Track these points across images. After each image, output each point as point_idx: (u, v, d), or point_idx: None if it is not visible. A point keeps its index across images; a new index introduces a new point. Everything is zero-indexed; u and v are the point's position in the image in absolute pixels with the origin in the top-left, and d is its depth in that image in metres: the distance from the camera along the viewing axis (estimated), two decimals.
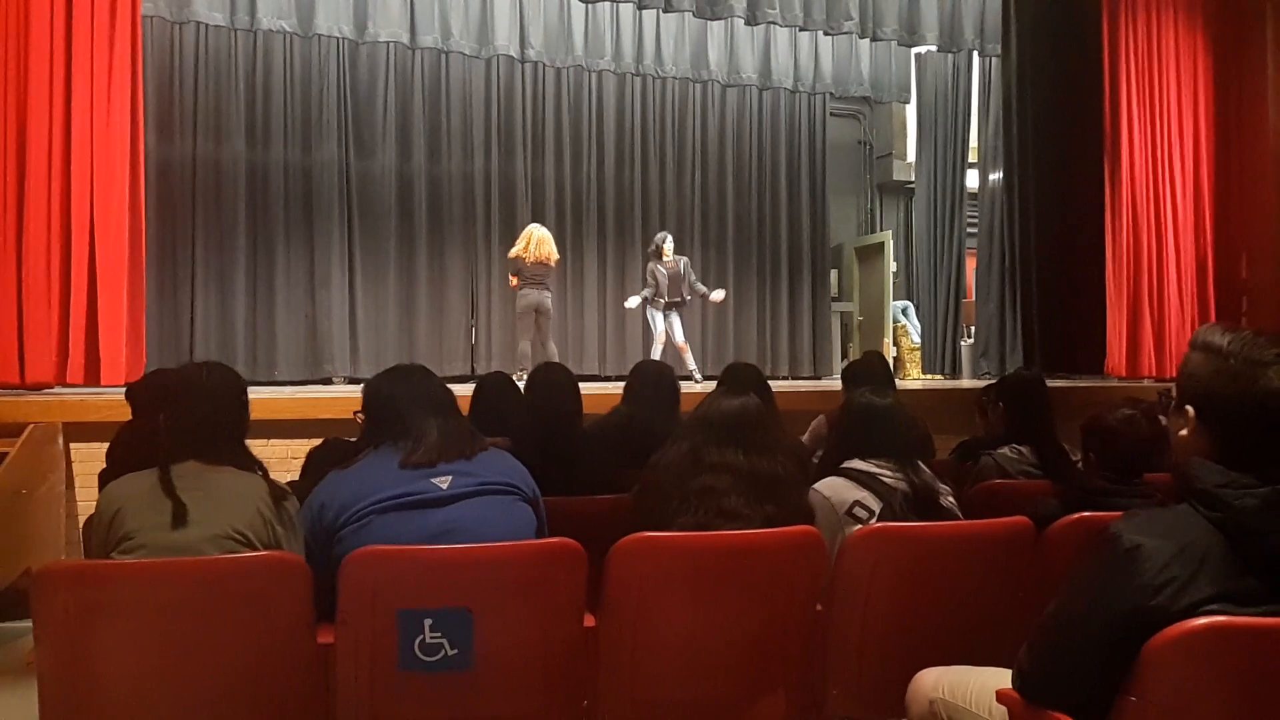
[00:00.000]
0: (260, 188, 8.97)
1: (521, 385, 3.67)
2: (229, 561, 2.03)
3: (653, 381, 3.70)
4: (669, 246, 8.61)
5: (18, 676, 3.19)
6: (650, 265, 8.68)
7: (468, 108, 9.77)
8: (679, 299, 8.49)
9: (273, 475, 2.27)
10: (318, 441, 3.28)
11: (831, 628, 2.37)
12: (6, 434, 4.74)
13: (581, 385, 3.47)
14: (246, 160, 8.91)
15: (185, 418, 2.20)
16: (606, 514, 2.66)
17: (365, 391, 2.40)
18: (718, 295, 8.70)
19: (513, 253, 8.22)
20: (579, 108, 10.21)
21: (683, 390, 3.79)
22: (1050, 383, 3.90)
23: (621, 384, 3.87)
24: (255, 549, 2.12)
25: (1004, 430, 3.55)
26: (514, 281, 8.21)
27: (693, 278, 8.64)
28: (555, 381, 3.36)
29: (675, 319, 8.50)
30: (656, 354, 8.45)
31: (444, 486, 2.15)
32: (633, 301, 8.60)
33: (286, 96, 9.07)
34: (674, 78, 10.52)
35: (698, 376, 8.32)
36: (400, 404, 2.29)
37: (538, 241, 8.11)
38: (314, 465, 3.03)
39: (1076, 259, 8.58)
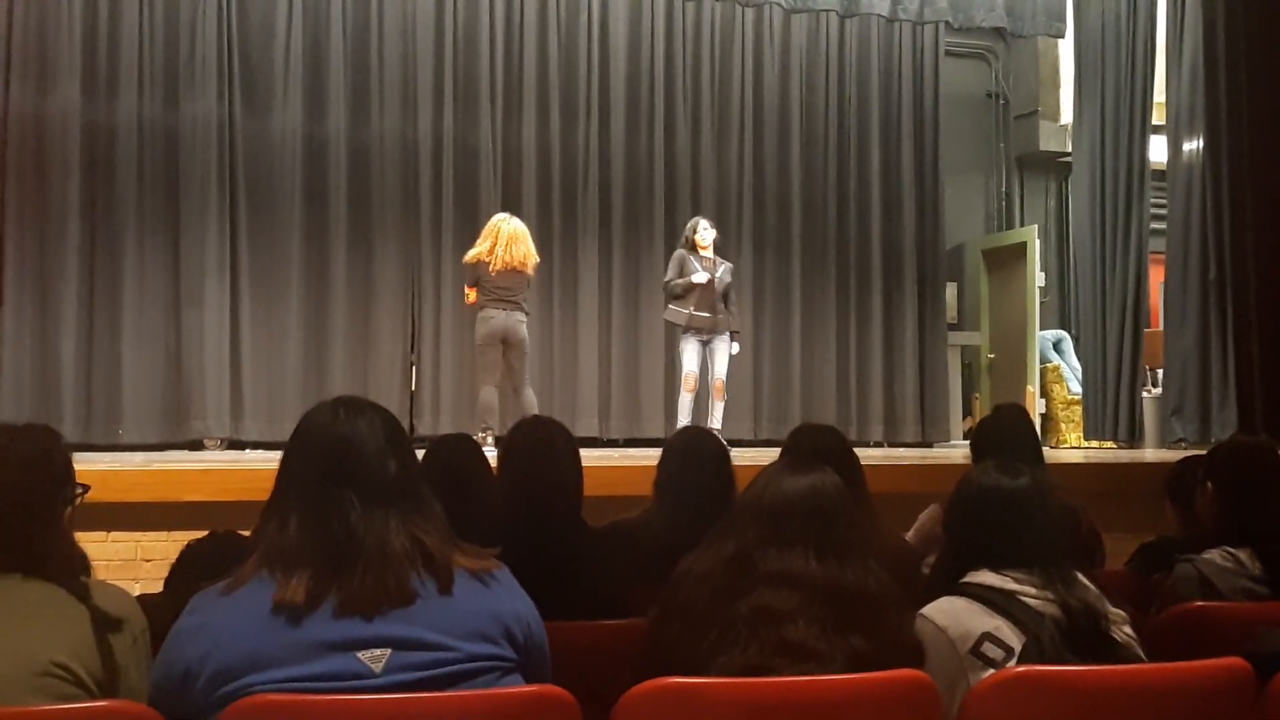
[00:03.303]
0: (102, 158, 9.10)
1: (491, 454, 3.67)
2: (49, 715, 2.02)
3: (695, 462, 3.68)
4: (708, 234, 8.59)
5: None
6: (679, 254, 8.63)
7: (409, 43, 9.91)
8: (712, 324, 8.46)
9: (116, 582, 2.27)
10: (180, 536, 3.28)
11: None
12: None
13: None
14: (83, 117, 9.04)
15: None
16: (614, 648, 2.66)
17: (289, 444, 2.27)
18: (734, 348, 8.74)
19: (471, 255, 8.28)
20: (573, 43, 10.35)
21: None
22: None
23: (631, 453, 3.88)
24: (89, 690, 2.12)
25: (1213, 525, 3.53)
26: (471, 296, 8.26)
27: (733, 297, 8.65)
28: (544, 446, 3.35)
29: (719, 346, 8.51)
30: (685, 405, 8.46)
31: (377, 669, 2.05)
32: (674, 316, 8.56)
33: (143, 26, 9.23)
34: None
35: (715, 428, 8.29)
36: (328, 478, 2.16)
37: (509, 239, 8.16)
38: (190, 571, 3.02)
39: None
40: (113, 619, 2.23)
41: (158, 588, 3.23)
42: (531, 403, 8.10)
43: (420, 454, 3.13)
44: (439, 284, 9.87)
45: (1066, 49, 11.34)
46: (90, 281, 9.01)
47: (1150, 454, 9.29)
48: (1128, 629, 2.61)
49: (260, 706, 1.99)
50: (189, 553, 3.11)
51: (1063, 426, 11.31)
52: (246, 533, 2.52)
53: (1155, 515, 4.27)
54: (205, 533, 3.17)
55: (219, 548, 3.03)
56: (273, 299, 9.46)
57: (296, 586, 2.05)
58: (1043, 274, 11.74)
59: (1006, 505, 2.66)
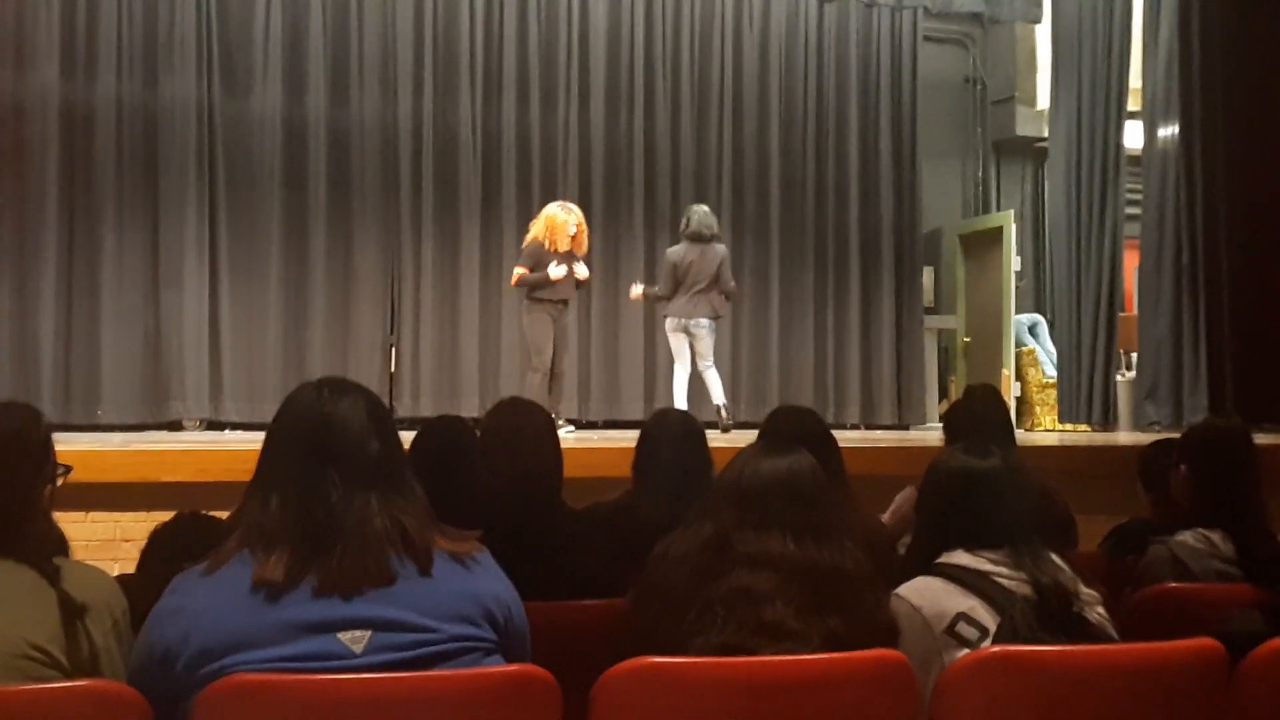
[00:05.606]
0: (81, 139, 9.05)
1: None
2: (27, 694, 2.01)
3: (672, 444, 3.70)
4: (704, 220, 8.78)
5: None
6: (677, 250, 8.73)
7: (389, 25, 9.87)
8: (706, 306, 8.56)
9: (95, 563, 2.26)
10: (160, 517, 3.26)
11: None
12: None
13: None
14: (61, 97, 8.99)
15: None
16: (593, 628, 2.65)
17: (272, 423, 2.25)
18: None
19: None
20: (553, 27, 10.31)
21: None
22: (1256, 438, 3.89)
23: (611, 435, 3.88)
24: (67, 673, 2.11)
25: (1186, 508, 3.55)
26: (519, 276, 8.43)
27: (727, 275, 8.72)
28: (524, 428, 3.36)
29: (704, 334, 8.57)
30: (681, 390, 8.49)
31: (357, 650, 2.05)
32: (637, 289, 8.79)
33: (121, 6, 9.17)
34: None
35: (725, 417, 8.33)
36: (310, 457, 2.14)
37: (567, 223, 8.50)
38: (160, 554, 3.01)
39: None
40: (82, 603, 2.20)
41: None
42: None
43: (409, 436, 3.14)
44: (419, 266, 9.84)
45: (1043, 35, 11.35)
46: (69, 262, 8.97)
47: (1124, 437, 9.33)
48: (1101, 609, 2.62)
49: (241, 686, 1.99)
50: (157, 535, 3.10)
51: (1037, 409, 11.36)
52: (219, 514, 2.51)
53: (1129, 498, 4.29)
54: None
55: (187, 529, 3.01)
56: (252, 280, 9.43)
57: (275, 564, 2.04)
58: (1018, 258, 11.77)
59: (977, 486, 2.67)
